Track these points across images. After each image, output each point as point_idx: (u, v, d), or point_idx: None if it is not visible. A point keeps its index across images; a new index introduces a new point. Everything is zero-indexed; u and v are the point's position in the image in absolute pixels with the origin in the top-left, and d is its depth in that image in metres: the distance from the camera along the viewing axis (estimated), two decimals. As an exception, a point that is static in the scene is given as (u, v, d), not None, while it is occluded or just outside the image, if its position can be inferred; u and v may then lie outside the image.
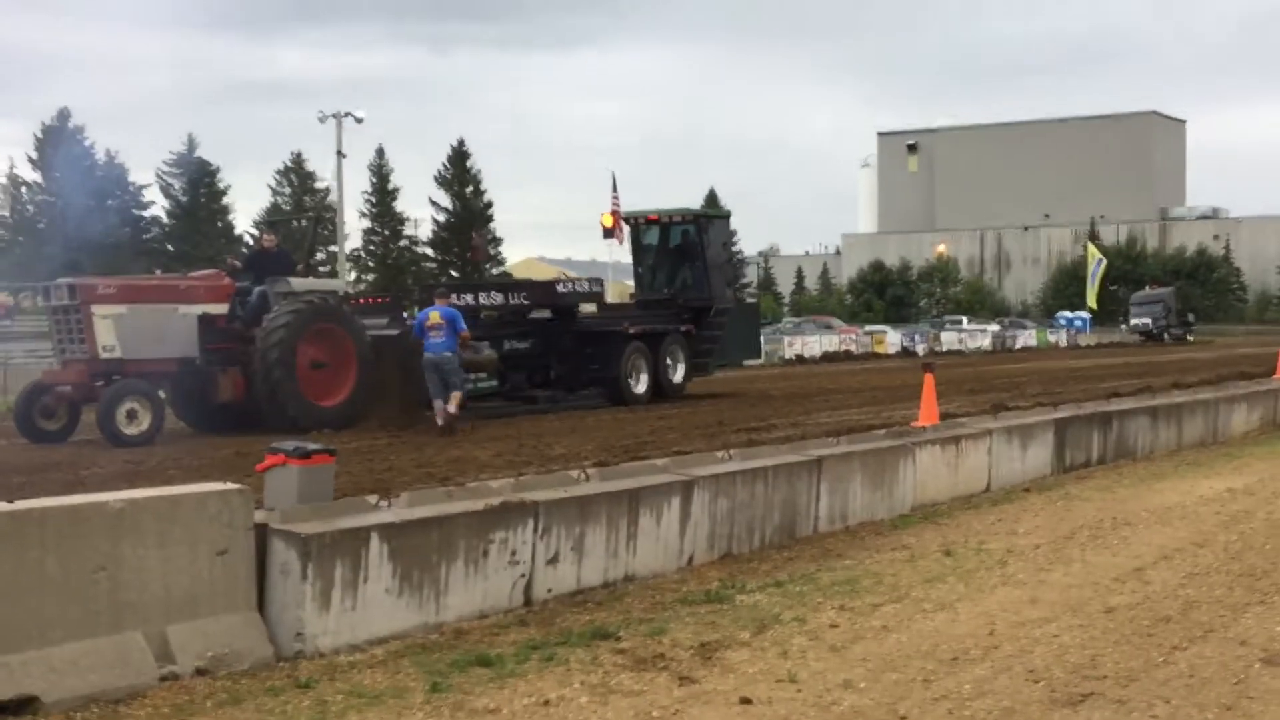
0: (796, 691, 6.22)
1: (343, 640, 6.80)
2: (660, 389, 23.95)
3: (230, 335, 18.56)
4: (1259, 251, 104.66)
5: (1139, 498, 12.50)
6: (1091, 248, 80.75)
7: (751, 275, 70.08)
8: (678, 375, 24.65)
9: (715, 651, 6.88)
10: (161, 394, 17.84)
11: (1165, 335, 70.86)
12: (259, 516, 6.89)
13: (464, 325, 18.50)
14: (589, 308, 24.49)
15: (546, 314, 23.33)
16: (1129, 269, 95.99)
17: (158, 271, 30.87)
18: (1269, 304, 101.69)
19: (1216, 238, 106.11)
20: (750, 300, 38.90)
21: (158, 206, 78.87)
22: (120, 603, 6.16)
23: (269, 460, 7.89)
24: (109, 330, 17.27)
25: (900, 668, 6.63)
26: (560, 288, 24.06)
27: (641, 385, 23.69)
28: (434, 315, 18.30)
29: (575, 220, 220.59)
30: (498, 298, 23.14)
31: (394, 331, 20.23)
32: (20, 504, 6.14)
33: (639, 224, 26.87)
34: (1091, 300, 76.61)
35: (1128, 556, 9.55)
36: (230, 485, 6.86)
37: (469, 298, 22.53)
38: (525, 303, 23.26)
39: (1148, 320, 72.67)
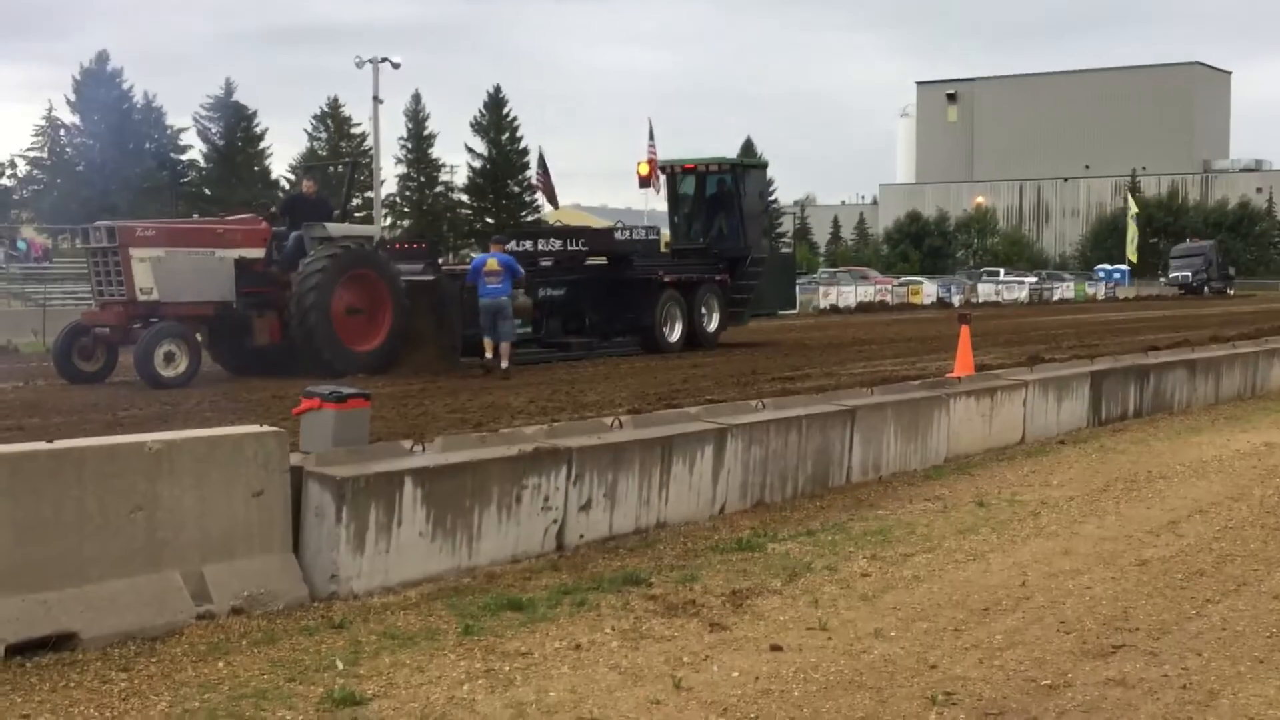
0: (827, 639, 6.24)
1: (376, 582, 6.86)
2: (695, 338, 23.97)
3: (266, 280, 18.64)
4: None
5: (1175, 451, 12.43)
6: (1132, 200, 79.91)
7: (787, 225, 69.72)
8: (712, 324, 24.65)
9: (746, 599, 6.90)
10: (198, 337, 17.97)
11: (1205, 289, 70.26)
12: (294, 459, 6.94)
13: (521, 271, 19.39)
14: None
15: (603, 261, 23.46)
16: (1170, 221, 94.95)
17: (195, 215, 31.02)
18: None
19: (1259, 190, 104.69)
20: (786, 250, 38.79)
21: (195, 150, 79.22)
22: (157, 542, 6.23)
23: (305, 404, 7.93)
24: (147, 273, 17.38)
25: (931, 617, 6.64)
26: (618, 235, 24.28)
27: (676, 333, 23.74)
28: (491, 262, 19.03)
29: (611, 168, 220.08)
30: (556, 244, 23.58)
31: (429, 277, 20.28)
32: (59, 443, 6.21)
33: (675, 173, 26.81)
34: (1130, 252, 75.94)
35: (1162, 510, 9.51)
36: (266, 428, 6.91)
37: (528, 244, 23.34)
38: (583, 249, 23.55)
39: (1188, 273, 72.04)
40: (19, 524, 5.77)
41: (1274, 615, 6.73)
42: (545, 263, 23.15)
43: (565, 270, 23.30)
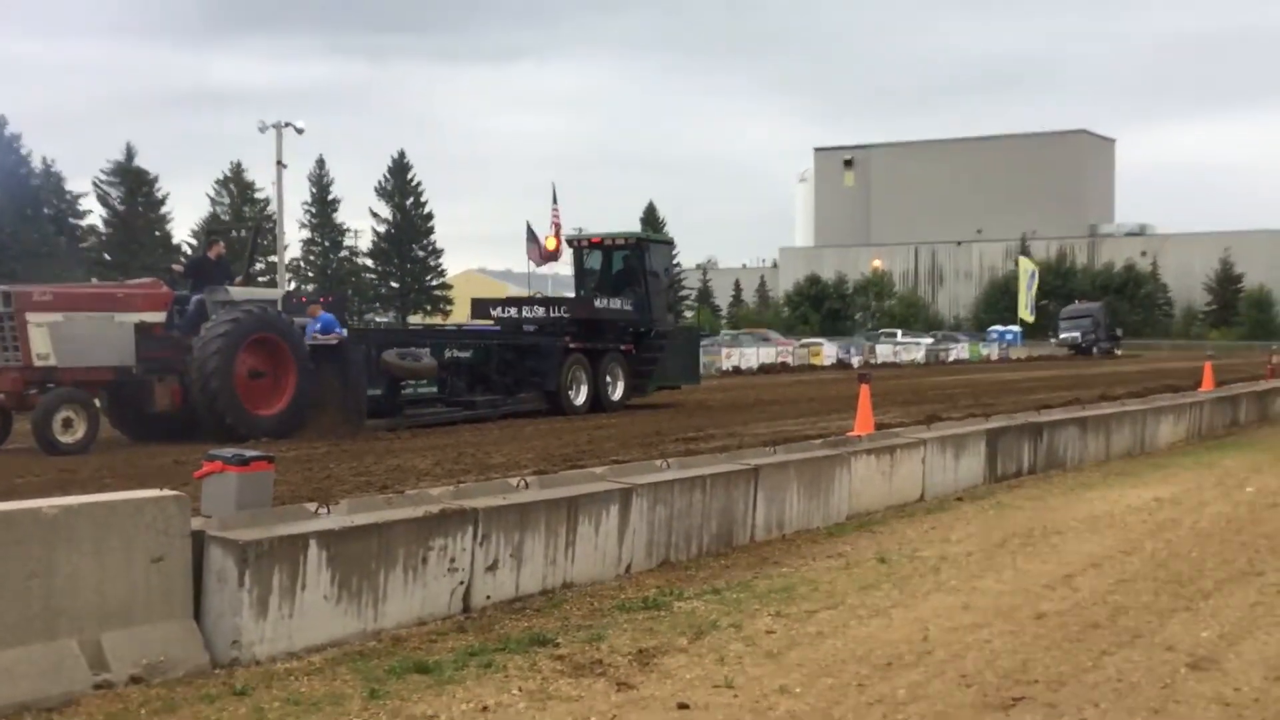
0: (733, 697, 6.29)
1: (280, 648, 6.78)
2: (599, 404, 24.17)
3: (168, 344, 18.37)
4: (1185, 268, 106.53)
5: (1069, 506, 12.70)
6: (1024, 261, 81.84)
7: (692, 282, 70.46)
8: (617, 393, 24.92)
9: (653, 658, 6.93)
10: (97, 403, 17.64)
11: (1094, 349, 71.97)
12: (196, 524, 6.85)
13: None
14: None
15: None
16: (1059, 284, 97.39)
17: (94, 280, 30.56)
18: (1194, 319, 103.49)
19: (1144, 254, 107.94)
20: (689, 324, 39.32)
21: (95, 215, 78.05)
22: (54, 610, 6.10)
23: (207, 467, 7.84)
24: (44, 338, 17.04)
25: (835, 673, 6.72)
26: (597, 303, 25.09)
27: (581, 396, 23.91)
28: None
29: (515, 232, 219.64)
30: (540, 311, 25.17)
31: (333, 341, 20.20)
32: (-47, 510, 6.08)
33: (582, 246, 27.21)
34: (1025, 312, 77.64)
35: (1058, 564, 9.71)
36: (167, 492, 6.82)
37: (513, 311, 25.30)
38: (565, 315, 24.77)
39: (1077, 334, 73.80)
40: (-89, 593, 5.64)
41: (1167, 666, 6.90)
42: (529, 328, 24.75)
43: (471, 334, 23.57)
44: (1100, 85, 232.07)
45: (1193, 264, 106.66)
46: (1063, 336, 75.08)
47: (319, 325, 20.57)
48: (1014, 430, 15.37)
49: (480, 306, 27.04)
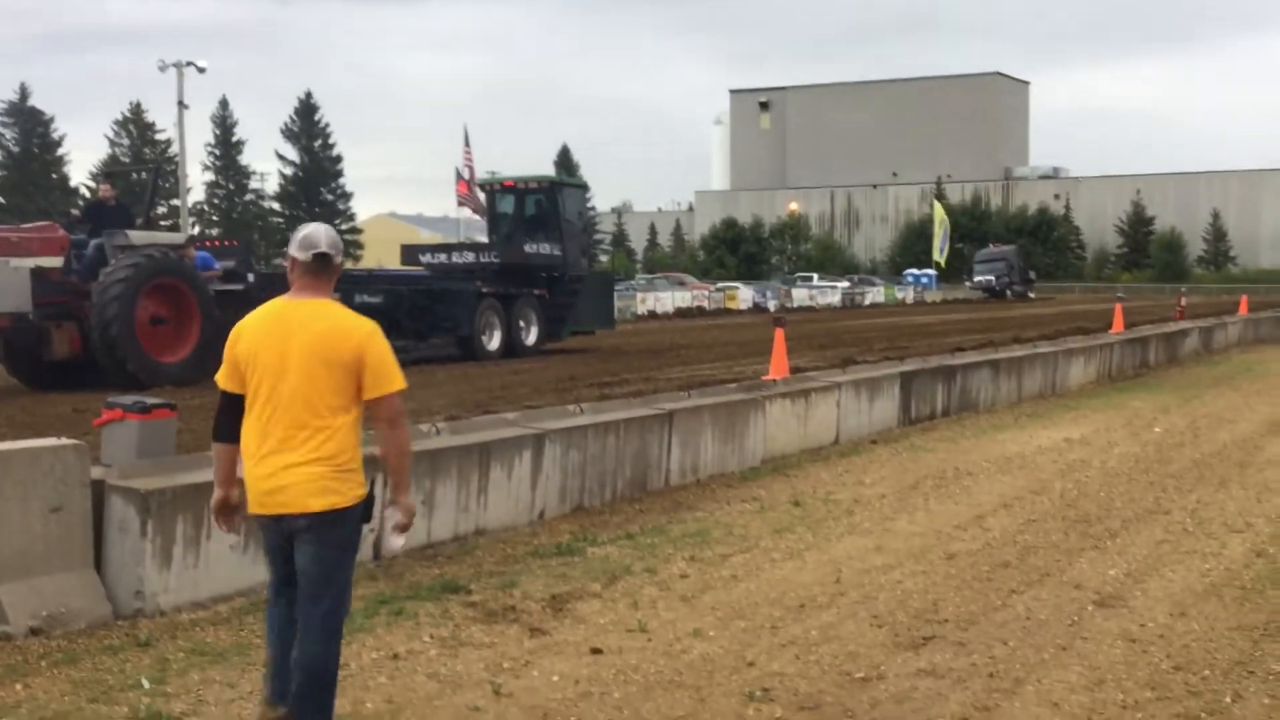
0: (647, 641, 6.27)
1: (184, 598, 6.64)
2: (513, 350, 24.05)
3: (65, 289, 17.89)
4: (1097, 211, 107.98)
5: (981, 448, 12.85)
6: (939, 209, 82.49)
7: (606, 226, 70.15)
8: (530, 338, 24.80)
9: (566, 603, 6.89)
10: (-8, 349, 17.18)
11: (1008, 292, 72.82)
12: (96, 473, 6.68)
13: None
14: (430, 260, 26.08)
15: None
16: (973, 227, 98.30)
17: (-11, 223, 29.80)
18: (1106, 262, 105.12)
19: (1057, 197, 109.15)
20: (603, 269, 39.27)
21: (-11, 157, 75.98)
22: (-53, 563, 5.92)
23: (106, 415, 7.64)
24: (-65, 283, 16.54)
25: (749, 616, 6.72)
26: (527, 248, 25.12)
27: (494, 342, 23.76)
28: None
29: (425, 175, 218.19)
30: (469, 256, 25.35)
31: (240, 287, 19.80)
32: None
33: (495, 190, 27.00)
34: (939, 256, 78.38)
35: (969, 505, 9.81)
36: (65, 440, 6.63)
37: (443, 256, 25.65)
38: (495, 260, 24.86)
39: (991, 277, 74.55)
40: None
41: (1075, 604, 6.99)
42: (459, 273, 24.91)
43: (382, 279, 23.38)
44: (1016, 29, 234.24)
45: (1105, 207, 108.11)
46: (977, 280, 75.84)
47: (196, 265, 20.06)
48: (927, 373, 15.50)
49: (410, 253, 26.80)
